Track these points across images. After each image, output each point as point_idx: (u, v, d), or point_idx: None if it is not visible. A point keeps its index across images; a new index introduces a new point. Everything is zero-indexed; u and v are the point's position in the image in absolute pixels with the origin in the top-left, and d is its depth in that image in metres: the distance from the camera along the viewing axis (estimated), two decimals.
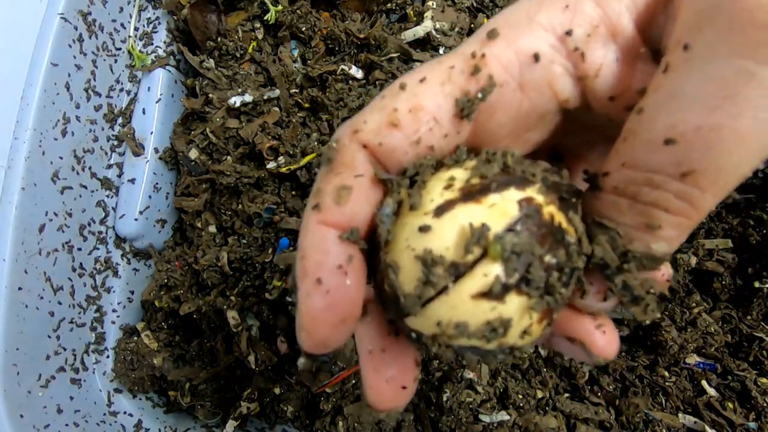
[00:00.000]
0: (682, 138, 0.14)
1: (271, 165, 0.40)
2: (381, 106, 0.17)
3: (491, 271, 0.14)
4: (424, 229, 0.15)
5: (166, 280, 0.43)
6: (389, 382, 0.18)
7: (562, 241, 0.15)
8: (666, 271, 0.18)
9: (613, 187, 0.15)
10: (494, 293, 0.15)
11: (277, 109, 0.42)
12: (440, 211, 0.15)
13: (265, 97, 0.41)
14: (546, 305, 0.15)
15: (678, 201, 0.15)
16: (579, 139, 0.19)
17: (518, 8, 0.16)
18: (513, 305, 0.15)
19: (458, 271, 0.15)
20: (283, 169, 0.39)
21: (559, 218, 0.15)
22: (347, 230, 0.16)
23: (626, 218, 0.15)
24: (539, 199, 0.15)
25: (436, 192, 0.16)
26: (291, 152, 0.40)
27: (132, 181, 0.44)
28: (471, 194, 0.15)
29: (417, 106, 0.16)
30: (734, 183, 0.14)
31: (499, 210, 0.15)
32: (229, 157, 0.42)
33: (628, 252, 0.16)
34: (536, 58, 0.16)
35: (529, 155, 0.18)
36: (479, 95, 0.16)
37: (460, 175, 0.16)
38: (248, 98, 0.41)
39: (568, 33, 0.16)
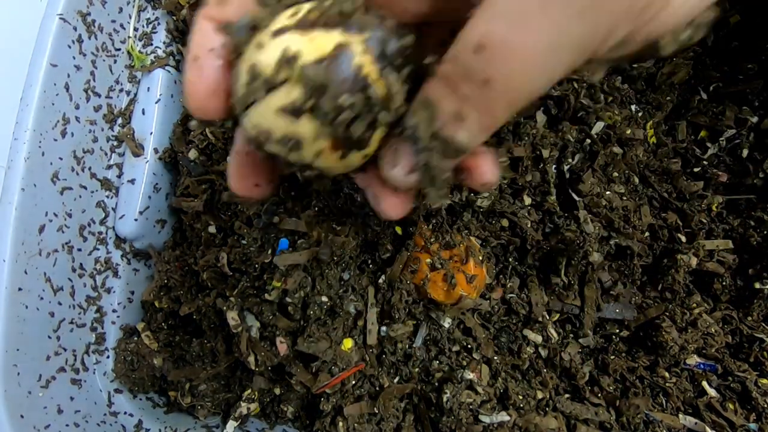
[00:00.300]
0: (488, 47, 0.15)
1: None
2: None
3: (292, 92, 0.17)
4: (259, 45, 0.18)
5: (165, 281, 0.43)
6: (244, 178, 0.22)
7: (363, 90, 0.17)
8: (489, 170, 0.21)
9: (442, 74, 0.17)
10: (289, 111, 0.17)
11: None
12: (275, 34, 0.18)
13: None
14: (334, 137, 0.18)
15: (482, 101, 0.17)
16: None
17: None
18: (305, 127, 0.18)
19: (269, 86, 0.17)
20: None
21: (369, 70, 0.17)
22: (222, 24, 0.19)
23: (444, 103, 0.17)
24: (356, 48, 0.17)
25: (282, 18, 0.18)
26: None
27: (132, 181, 0.44)
28: (302, 26, 0.18)
29: None
30: (524, 98, 0.16)
31: (316, 44, 0.17)
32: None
33: (437, 133, 0.18)
34: None
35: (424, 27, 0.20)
36: None
37: (305, 8, 0.18)
38: None
39: None
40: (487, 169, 0.21)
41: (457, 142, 0.17)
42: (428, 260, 0.37)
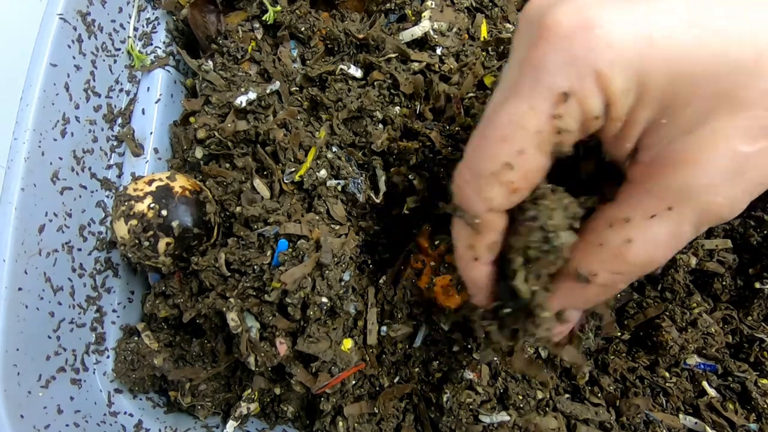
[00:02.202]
0: (652, 263, 0.21)
1: (286, 179, 0.40)
2: (499, 182, 0.21)
3: None
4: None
5: (163, 289, 0.43)
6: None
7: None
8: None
9: (602, 285, 0.22)
10: None
11: (281, 112, 0.42)
12: None
13: (268, 91, 0.41)
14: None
15: (626, 285, 0.23)
16: None
17: (584, 62, 0.18)
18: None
19: None
20: (296, 177, 0.40)
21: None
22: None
23: (600, 300, 0.24)
24: None
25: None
26: (293, 158, 0.40)
27: None
28: None
29: (527, 173, 0.21)
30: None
31: None
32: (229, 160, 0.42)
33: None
34: (596, 118, 0.19)
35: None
36: (566, 152, 0.21)
37: None
38: (252, 96, 0.41)
39: (609, 106, 0.19)
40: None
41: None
42: (432, 263, 0.37)
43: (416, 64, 0.41)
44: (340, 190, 0.40)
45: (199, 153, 0.43)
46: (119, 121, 0.46)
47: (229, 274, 0.39)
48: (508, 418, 0.35)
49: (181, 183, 0.39)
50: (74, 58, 0.41)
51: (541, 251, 0.22)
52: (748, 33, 0.16)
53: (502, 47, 0.43)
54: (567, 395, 0.39)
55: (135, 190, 0.38)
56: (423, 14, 0.43)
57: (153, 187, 0.38)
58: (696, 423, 0.36)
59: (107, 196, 0.45)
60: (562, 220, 0.22)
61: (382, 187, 0.39)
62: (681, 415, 0.37)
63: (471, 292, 0.27)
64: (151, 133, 0.45)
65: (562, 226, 0.22)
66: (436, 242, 0.38)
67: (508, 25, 0.45)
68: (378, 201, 0.39)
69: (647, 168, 0.20)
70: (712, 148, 0.18)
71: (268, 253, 0.38)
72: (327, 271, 0.36)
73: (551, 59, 0.18)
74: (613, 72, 0.17)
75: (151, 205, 0.38)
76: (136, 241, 0.38)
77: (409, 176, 0.38)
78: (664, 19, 0.17)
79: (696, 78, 0.17)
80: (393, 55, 0.42)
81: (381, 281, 0.39)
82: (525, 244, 0.23)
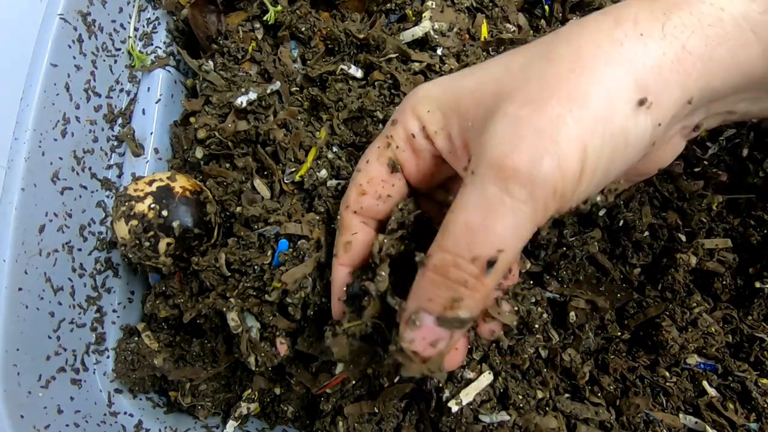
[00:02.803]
0: (470, 231, 0.21)
1: (286, 180, 0.40)
2: (354, 184, 0.30)
3: None
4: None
5: (164, 289, 0.43)
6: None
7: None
8: (493, 326, 0.28)
9: (433, 266, 0.23)
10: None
11: (281, 112, 0.42)
12: None
13: (268, 91, 0.41)
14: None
15: (472, 279, 0.22)
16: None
17: (406, 103, 0.28)
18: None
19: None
20: (296, 177, 0.40)
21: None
22: (351, 267, 0.31)
23: (440, 291, 0.22)
24: None
25: None
26: (293, 158, 0.40)
27: None
28: None
29: (370, 178, 0.29)
30: (507, 266, 0.22)
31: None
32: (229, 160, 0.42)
33: (443, 317, 0.23)
34: (413, 135, 0.28)
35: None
36: (396, 165, 0.29)
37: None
38: (253, 96, 0.41)
39: (423, 128, 0.27)
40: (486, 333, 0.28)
41: (462, 317, 0.22)
42: None
43: (417, 64, 0.41)
44: (340, 190, 0.40)
45: (199, 153, 0.43)
46: (119, 121, 0.46)
47: (230, 274, 0.39)
48: (508, 417, 0.35)
49: (181, 183, 0.39)
50: (75, 58, 0.41)
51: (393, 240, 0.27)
52: (497, 62, 0.25)
53: (502, 47, 0.43)
54: (567, 395, 0.39)
55: (135, 190, 0.38)
56: (423, 14, 0.43)
57: (153, 188, 0.38)
58: (696, 423, 0.36)
59: (107, 196, 0.45)
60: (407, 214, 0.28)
61: None
62: (681, 415, 0.37)
63: (332, 300, 0.31)
64: (151, 133, 0.45)
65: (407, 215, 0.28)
66: None
67: (508, 26, 0.45)
68: None
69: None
70: (498, 120, 0.22)
71: (269, 253, 0.38)
72: (328, 271, 0.36)
73: (396, 109, 0.29)
74: (422, 104, 0.27)
75: (152, 206, 0.38)
76: (137, 242, 0.38)
77: None
78: (456, 78, 0.27)
79: (471, 90, 0.25)
80: (393, 55, 0.42)
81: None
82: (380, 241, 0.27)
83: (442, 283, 0.22)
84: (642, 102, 0.21)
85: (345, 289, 0.30)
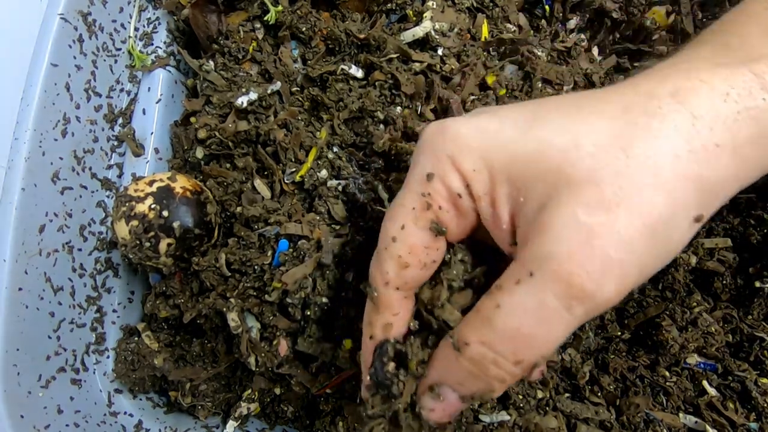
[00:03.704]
0: (521, 337, 0.20)
1: (286, 179, 0.40)
2: (390, 256, 0.25)
3: None
4: None
5: (164, 289, 0.43)
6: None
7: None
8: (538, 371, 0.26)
9: (471, 358, 0.22)
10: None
11: (282, 112, 0.42)
12: None
13: (269, 91, 0.41)
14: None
15: (509, 377, 0.21)
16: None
17: (442, 151, 0.23)
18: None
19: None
20: (297, 178, 0.40)
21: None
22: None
23: (474, 383, 0.22)
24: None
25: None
26: (293, 158, 0.40)
27: None
28: None
29: (411, 247, 0.24)
30: (539, 368, 0.22)
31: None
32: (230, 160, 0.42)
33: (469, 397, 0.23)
34: (459, 195, 0.23)
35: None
36: (442, 228, 0.24)
37: None
38: (254, 96, 0.41)
39: (468, 186, 0.23)
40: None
41: (487, 400, 0.23)
42: None
43: (417, 64, 0.41)
44: (340, 190, 0.40)
45: (199, 153, 0.43)
46: (120, 121, 0.46)
47: (230, 274, 0.39)
48: (508, 417, 0.35)
49: (181, 183, 0.39)
50: (75, 58, 0.41)
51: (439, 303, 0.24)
52: (563, 124, 0.22)
53: (503, 47, 0.43)
54: (567, 394, 0.39)
55: (136, 190, 0.38)
56: (424, 14, 0.43)
57: (154, 188, 0.38)
58: (696, 422, 0.37)
59: (108, 196, 0.45)
60: (461, 273, 0.25)
61: (384, 196, 0.39)
62: (681, 414, 0.37)
63: (363, 370, 0.27)
64: (151, 133, 0.45)
65: (459, 278, 0.25)
66: None
67: (509, 25, 0.45)
68: (385, 209, 0.39)
69: (519, 244, 0.22)
70: (561, 218, 0.20)
71: (269, 253, 0.38)
72: (328, 272, 0.36)
73: (421, 153, 0.24)
74: (463, 155, 0.23)
75: (152, 206, 0.38)
76: (137, 242, 0.38)
77: None
78: (500, 121, 0.23)
79: (529, 158, 0.21)
80: (394, 56, 0.42)
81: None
82: (427, 298, 0.25)
83: (478, 377, 0.22)
84: (698, 219, 0.21)
85: (369, 372, 0.26)
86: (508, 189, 0.22)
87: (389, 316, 0.25)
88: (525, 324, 0.20)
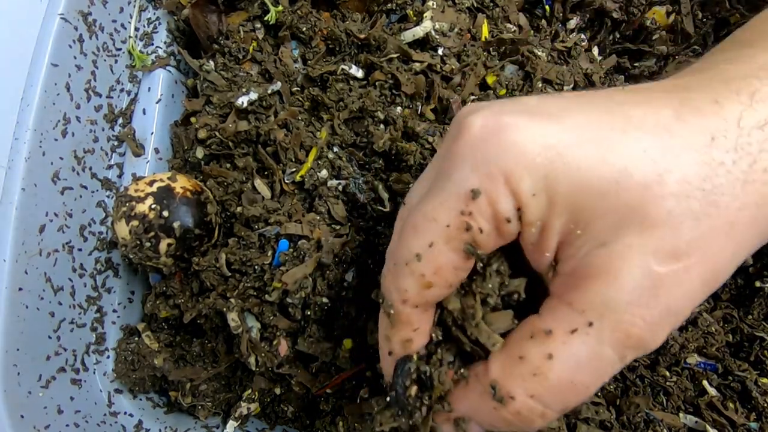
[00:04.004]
0: (574, 389, 0.19)
1: (286, 179, 0.40)
2: (411, 272, 0.21)
3: None
4: None
5: (164, 289, 0.43)
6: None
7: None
8: None
9: (516, 411, 0.20)
10: None
11: (282, 112, 0.42)
12: None
13: (269, 91, 0.41)
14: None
15: (548, 421, 0.20)
16: None
17: (495, 164, 0.19)
18: None
19: None
20: (297, 178, 0.40)
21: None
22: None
23: (507, 429, 0.20)
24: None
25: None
26: (294, 158, 0.40)
27: None
28: None
29: (438, 268, 0.21)
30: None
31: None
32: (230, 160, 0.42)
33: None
34: (508, 221, 0.20)
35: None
36: (478, 250, 0.21)
37: None
38: (254, 96, 0.41)
39: (520, 211, 0.19)
40: None
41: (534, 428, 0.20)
42: None
43: (418, 64, 0.41)
44: (341, 190, 0.40)
45: (200, 153, 0.43)
46: (120, 121, 0.46)
47: (230, 274, 0.39)
48: None
49: (182, 183, 0.39)
50: (75, 58, 0.41)
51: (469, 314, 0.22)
52: (648, 150, 0.18)
53: (503, 47, 0.43)
54: None
55: (136, 190, 0.38)
56: (424, 14, 0.43)
57: (154, 188, 0.38)
58: (696, 422, 0.37)
59: (108, 196, 0.45)
60: (497, 286, 0.22)
61: (385, 196, 0.39)
62: (681, 414, 0.37)
63: (385, 379, 0.24)
64: (151, 133, 0.45)
65: (495, 292, 0.22)
66: None
67: (509, 25, 0.45)
68: (387, 210, 0.39)
69: (567, 279, 0.20)
70: (627, 263, 0.18)
71: (269, 253, 0.38)
72: (328, 272, 0.36)
73: (465, 157, 0.20)
74: (522, 175, 0.19)
75: (153, 206, 0.38)
76: (138, 242, 0.38)
77: (410, 185, 0.38)
78: (570, 133, 0.19)
79: (602, 190, 0.18)
80: (394, 56, 0.42)
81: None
82: (455, 307, 0.22)
83: (514, 425, 0.20)
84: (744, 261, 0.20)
85: (389, 388, 0.23)
86: (566, 220, 0.19)
87: (408, 332, 0.23)
88: (580, 377, 0.19)
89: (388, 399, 0.23)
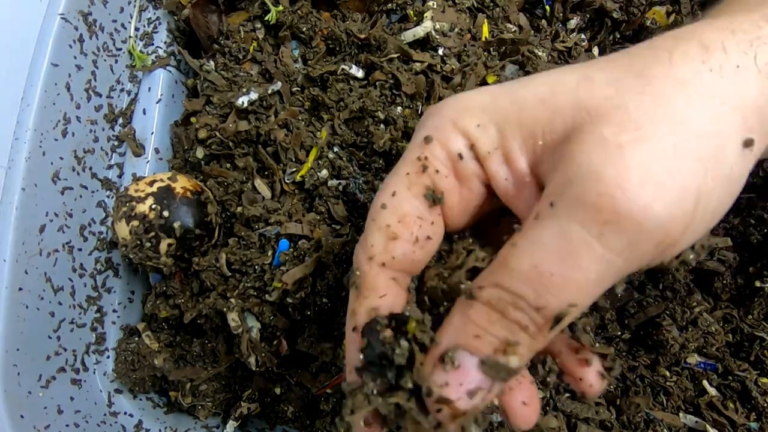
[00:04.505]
0: (539, 276, 0.17)
1: (286, 179, 0.40)
2: (377, 227, 0.21)
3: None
4: None
5: (164, 289, 0.42)
6: None
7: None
8: (595, 366, 0.22)
9: (487, 300, 0.18)
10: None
11: (282, 112, 0.42)
12: None
13: (269, 91, 0.41)
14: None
15: (533, 326, 0.18)
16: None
17: (442, 115, 0.21)
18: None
19: None
20: (297, 177, 0.40)
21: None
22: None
23: (495, 329, 0.18)
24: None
25: None
26: (294, 158, 0.40)
27: None
28: None
29: (402, 215, 0.21)
30: (572, 318, 0.18)
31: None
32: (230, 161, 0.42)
33: (488, 360, 0.18)
34: (460, 156, 0.21)
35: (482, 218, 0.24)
36: (438, 195, 0.21)
37: None
38: (254, 96, 0.41)
39: (472, 146, 0.21)
40: (593, 380, 0.21)
41: (510, 367, 0.18)
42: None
43: (418, 64, 0.41)
44: (341, 190, 0.40)
45: (200, 153, 0.43)
46: (120, 121, 0.46)
47: (230, 274, 0.39)
48: None
49: (182, 184, 0.39)
50: (75, 57, 0.41)
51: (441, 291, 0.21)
52: (566, 69, 0.20)
53: (504, 47, 0.44)
54: (567, 394, 0.39)
55: (136, 191, 0.38)
56: (425, 14, 0.43)
57: (154, 188, 0.38)
58: (696, 422, 0.37)
59: (108, 196, 0.45)
60: (471, 262, 0.21)
61: None
62: (681, 414, 0.37)
63: (347, 371, 0.22)
64: (152, 133, 0.45)
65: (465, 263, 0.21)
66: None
67: (509, 25, 0.45)
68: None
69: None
70: (584, 143, 0.18)
71: (269, 253, 0.38)
72: (328, 272, 0.36)
73: (421, 127, 0.22)
74: (464, 114, 0.21)
75: (153, 206, 0.38)
76: (138, 242, 0.38)
77: None
78: (495, 86, 0.21)
79: (540, 97, 0.19)
80: (395, 55, 0.42)
81: None
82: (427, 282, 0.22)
83: (497, 321, 0.18)
84: (748, 144, 0.18)
85: (362, 351, 0.20)
86: (521, 137, 0.20)
87: (374, 299, 0.21)
88: (545, 261, 0.17)
89: (361, 373, 0.20)
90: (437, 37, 0.43)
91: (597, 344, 0.21)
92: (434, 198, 0.21)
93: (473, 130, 0.20)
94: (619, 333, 0.41)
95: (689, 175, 0.17)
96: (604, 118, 0.18)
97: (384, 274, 0.22)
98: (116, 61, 0.45)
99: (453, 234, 0.23)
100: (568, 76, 0.19)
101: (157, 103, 0.45)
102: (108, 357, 0.44)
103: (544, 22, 0.48)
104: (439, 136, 0.21)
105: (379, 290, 0.21)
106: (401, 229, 0.21)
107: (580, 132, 0.18)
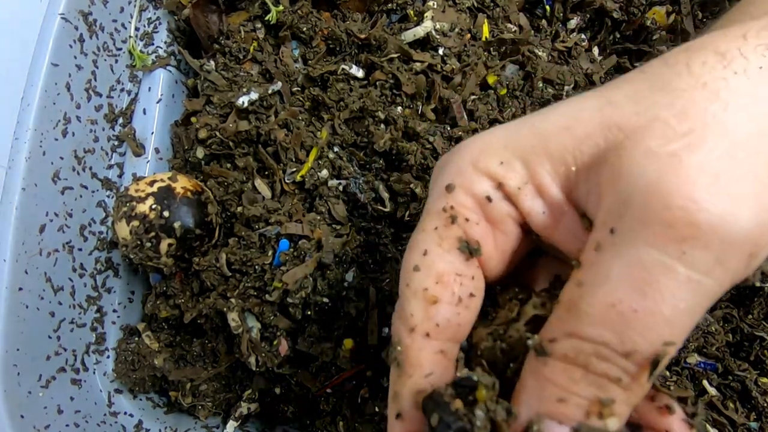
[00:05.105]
0: (620, 316, 0.15)
1: (287, 179, 0.40)
2: (413, 292, 0.19)
3: None
4: None
5: (165, 289, 0.42)
6: None
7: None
8: (678, 414, 0.19)
9: (563, 355, 0.16)
10: None
11: (282, 112, 0.42)
12: None
13: (270, 91, 0.41)
14: None
15: (625, 376, 0.15)
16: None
17: (459, 160, 0.20)
18: None
19: None
20: (297, 177, 0.40)
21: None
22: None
23: (581, 388, 0.16)
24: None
25: None
26: (294, 158, 0.40)
27: None
28: None
29: (439, 275, 0.19)
30: (666, 363, 0.16)
31: None
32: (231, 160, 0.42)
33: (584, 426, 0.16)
34: (489, 199, 0.19)
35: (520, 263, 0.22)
36: (473, 246, 0.19)
37: None
38: (254, 96, 0.41)
39: (500, 185, 0.19)
40: (679, 431, 0.19)
41: (608, 429, 0.16)
42: None
43: (418, 64, 0.41)
44: (341, 190, 0.40)
45: (200, 153, 0.43)
46: (120, 120, 0.46)
47: (230, 274, 0.39)
48: None
49: (182, 184, 0.39)
50: (75, 57, 0.41)
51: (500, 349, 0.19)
52: (586, 96, 0.19)
53: (504, 47, 0.44)
54: None
55: (136, 191, 0.38)
56: (425, 14, 0.43)
57: (154, 188, 0.38)
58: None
59: (108, 196, 0.45)
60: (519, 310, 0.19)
61: (385, 196, 0.39)
62: None
63: None
64: (152, 133, 0.45)
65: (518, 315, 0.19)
66: None
67: (509, 25, 0.46)
68: (387, 209, 0.39)
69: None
70: (628, 158, 0.16)
71: (270, 253, 0.38)
72: (328, 272, 0.36)
73: (436, 177, 0.21)
74: (484, 156, 0.19)
75: (153, 206, 0.38)
76: (138, 242, 0.38)
77: (410, 185, 0.38)
78: (515, 122, 0.20)
79: (565, 125, 0.18)
80: (395, 55, 0.42)
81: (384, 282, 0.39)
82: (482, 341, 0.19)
83: (581, 378, 0.15)
84: None
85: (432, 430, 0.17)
86: (550, 166, 0.18)
87: (419, 378, 0.19)
88: (622, 298, 0.15)
89: None
90: (437, 37, 0.43)
91: (672, 386, 0.19)
92: (470, 249, 0.19)
93: (497, 168, 0.19)
94: None
95: (759, 178, 0.15)
96: (643, 131, 0.16)
97: (429, 347, 0.19)
98: (116, 61, 0.45)
99: (493, 286, 0.21)
100: (587, 102, 0.18)
101: (157, 103, 0.45)
102: (108, 357, 0.44)
103: (544, 22, 0.48)
104: (461, 182, 0.19)
105: (424, 367, 0.19)
106: (440, 290, 0.19)
107: (620, 149, 0.16)
